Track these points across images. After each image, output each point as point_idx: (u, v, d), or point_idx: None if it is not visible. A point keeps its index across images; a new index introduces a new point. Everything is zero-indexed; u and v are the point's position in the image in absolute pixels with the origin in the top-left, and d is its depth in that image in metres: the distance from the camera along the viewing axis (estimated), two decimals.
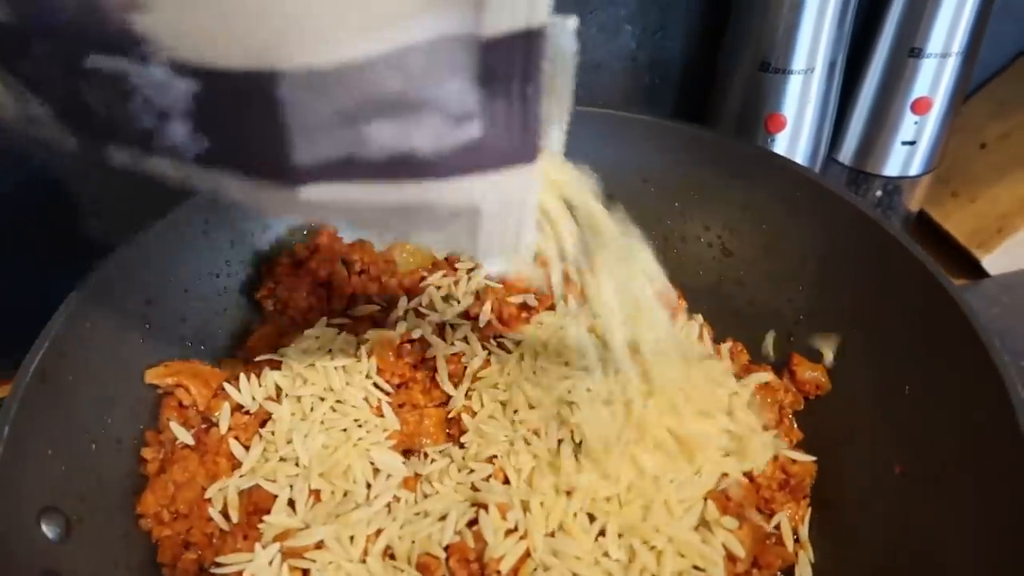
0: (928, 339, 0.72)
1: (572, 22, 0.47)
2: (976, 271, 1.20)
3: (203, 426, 0.79)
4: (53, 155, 0.99)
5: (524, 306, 0.92)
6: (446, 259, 1.00)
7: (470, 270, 0.94)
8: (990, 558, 0.60)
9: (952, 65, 1.02)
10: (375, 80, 0.40)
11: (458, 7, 0.38)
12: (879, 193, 1.16)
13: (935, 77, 1.03)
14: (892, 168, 1.13)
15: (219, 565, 0.68)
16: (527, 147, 0.43)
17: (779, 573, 0.70)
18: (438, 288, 0.92)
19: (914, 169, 1.14)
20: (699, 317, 0.89)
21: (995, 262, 1.19)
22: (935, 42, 1.00)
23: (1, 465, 0.61)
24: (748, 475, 0.73)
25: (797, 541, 0.72)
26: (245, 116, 0.42)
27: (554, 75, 0.47)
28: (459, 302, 0.89)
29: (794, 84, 1.01)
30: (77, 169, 1.02)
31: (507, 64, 0.40)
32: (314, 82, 0.40)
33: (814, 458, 0.76)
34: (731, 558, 0.68)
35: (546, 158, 0.49)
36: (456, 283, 0.93)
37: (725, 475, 0.72)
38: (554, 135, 0.52)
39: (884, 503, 0.71)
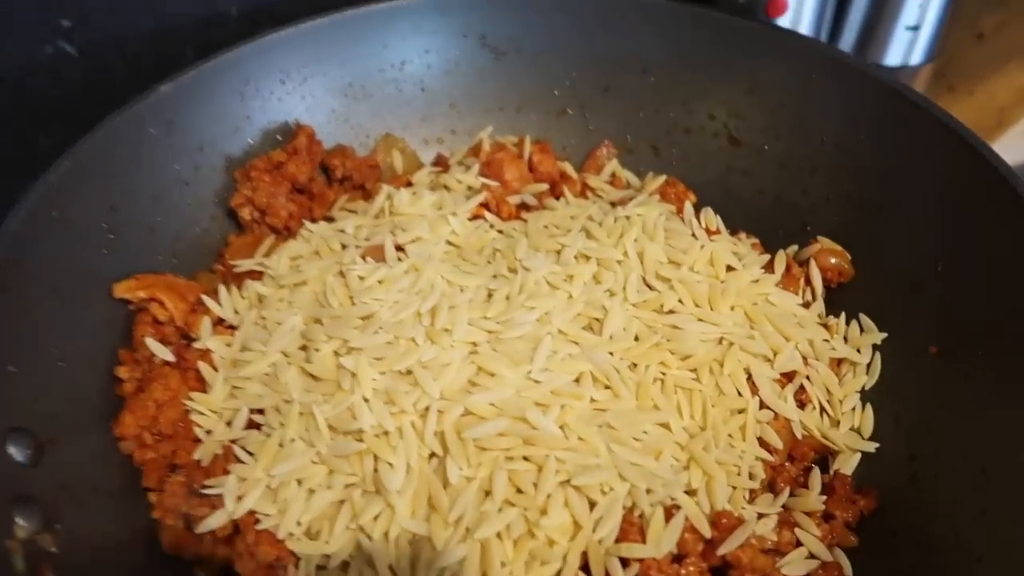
0: (964, 208, 0.68)
1: None
2: None
3: (183, 342, 0.73)
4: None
5: (523, 205, 0.85)
6: (436, 161, 0.93)
7: (466, 168, 0.87)
8: None
9: None
10: None
11: None
12: None
13: None
14: (894, 57, 1.08)
15: (208, 486, 0.62)
16: None
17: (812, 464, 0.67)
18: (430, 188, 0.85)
19: (915, 58, 1.09)
20: (709, 210, 0.83)
21: None
22: None
23: None
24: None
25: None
26: None
27: None
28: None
29: None
30: (40, 69, 0.92)
31: None
32: None
33: (856, 350, 0.72)
34: (766, 449, 0.64)
35: None
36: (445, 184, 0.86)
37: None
38: None
39: (920, 387, 0.67)
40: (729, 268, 0.74)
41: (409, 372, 0.63)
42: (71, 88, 0.96)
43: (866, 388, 0.71)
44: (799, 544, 0.60)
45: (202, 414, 0.67)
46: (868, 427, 0.68)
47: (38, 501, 0.55)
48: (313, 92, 0.90)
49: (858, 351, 0.72)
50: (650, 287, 0.72)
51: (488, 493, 0.57)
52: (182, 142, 0.81)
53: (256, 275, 0.78)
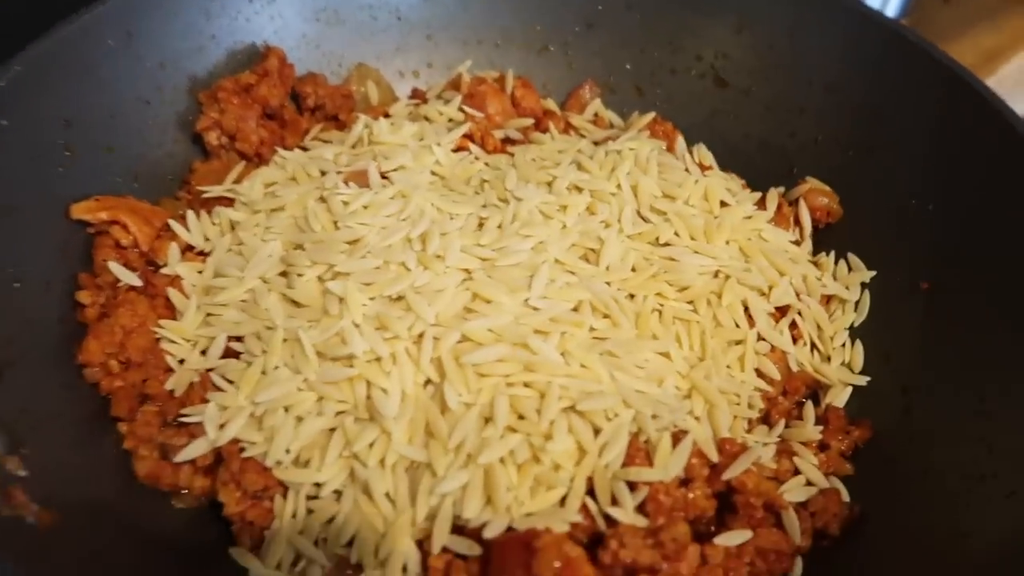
0: (957, 144, 0.68)
1: None
2: None
3: (149, 268, 0.68)
4: None
5: (508, 140, 0.82)
6: (412, 94, 0.88)
7: (446, 101, 0.84)
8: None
9: None
10: None
11: None
12: None
13: None
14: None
15: (186, 415, 0.58)
16: None
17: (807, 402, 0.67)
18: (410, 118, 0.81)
19: (890, 12, 1.10)
20: (702, 146, 0.82)
21: None
22: None
23: None
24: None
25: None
26: None
27: None
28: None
29: None
30: None
31: None
32: None
33: (845, 288, 0.72)
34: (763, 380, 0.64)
35: None
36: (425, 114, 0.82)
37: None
38: None
39: (911, 322, 0.68)
40: (723, 204, 0.73)
41: (401, 298, 0.60)
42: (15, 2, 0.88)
43: (855, 325, 0.71)
44: (797, 472, 0.60)
45: (173, 342, 0.63)
46: (858, 362, 0.68)
47: (3, 423, 0.50)
48: (282, 13, 0.84)
49: (847, 288, 0.72)
50: (645, 219, 0.70)
51: (489, 419, 0.55)
52: (142, 57, 0.75)
53: (226, 202, 0.73)
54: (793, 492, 0.58)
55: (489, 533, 0.50)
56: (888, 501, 0.58)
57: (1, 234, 0.60)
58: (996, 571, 0.47)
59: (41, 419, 0.54)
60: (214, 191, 0.73)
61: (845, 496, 0.59)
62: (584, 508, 0.53)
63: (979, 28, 1.21)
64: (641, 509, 0.53)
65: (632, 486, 0.53)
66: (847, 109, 0.77)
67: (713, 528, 0.56)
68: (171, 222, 0.69)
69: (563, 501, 0.53)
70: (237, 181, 0.75)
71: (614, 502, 0.53)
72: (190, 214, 0.70)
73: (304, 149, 0.79)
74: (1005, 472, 0.52)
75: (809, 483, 0.59)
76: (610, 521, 0.53)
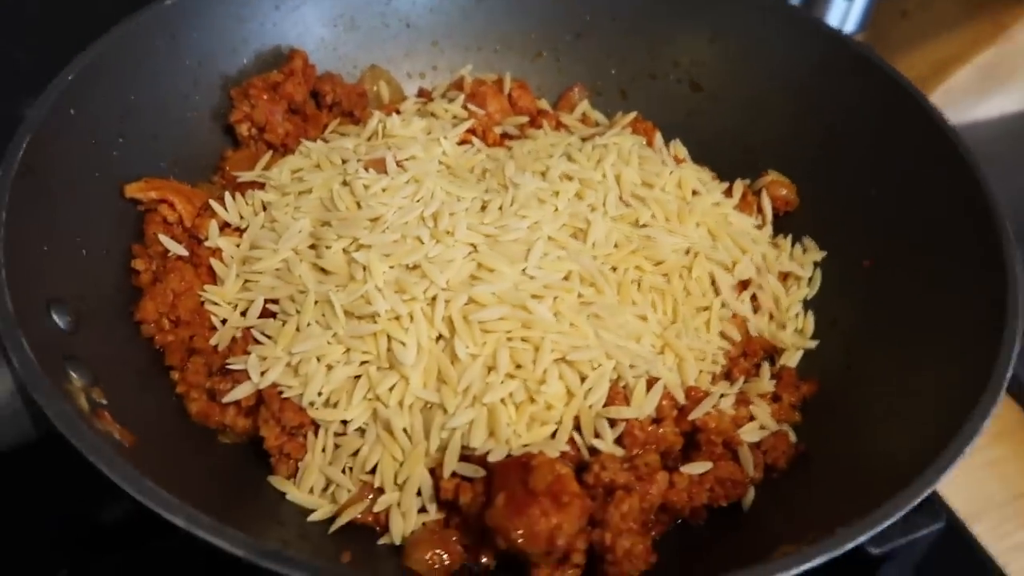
0: (896, 145, 0.79)
1: None
2: None
3: (193, 241, 0.77)
4: None
5: (506, 135, 0.92)
6: (419, 94, 0.98)
7: (450, 100, 0.93)
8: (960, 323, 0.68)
9: None
10: None
11: None
12: None
13: None
14: (831, 22, 1.19)
15: (231, 364, 0.68)
16: None
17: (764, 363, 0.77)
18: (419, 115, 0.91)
19: (849, 26, 1.20)
20: (677, 141, 0.92)
21: None
22: None
23: (5, 248, 0.57)
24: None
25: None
26: None
27: None
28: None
29: None
30: None
31: None
32: None
33: (800, 266, 0.82)
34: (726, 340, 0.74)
35: None
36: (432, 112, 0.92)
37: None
38: None
39: (855, 294, 0.78)
40: (694, 192, 0.83)
41: (417, 266, 0.70)
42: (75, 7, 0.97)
43: (808, 298, 0.81)
44: (752, 419, 0.70)
45: (217, 304, 0.72)
46: (809, 329, 0.79)
47: (84, 361, 0.59)
48: (305, 20, 0.94)
49: (801, 267, 0.82)
50: (626, 204, 0.80)
51: (492, 368, 0.65)
52: (183, 57, 0.84)
53: (257, 186, 0.82)
54: (748, 434, 0.68)
55: (493, 458, 0.60)
56: (827, 439, 0.68)
57: (70, 206, 0.69)
58: (911, 480, 0.56)
59: (109, 366, 0.63)
60: (247, 176, 0.82)
61: (792, 437, 0.69)
62: (571, 440, 0.63)
63: (930, 42, 1.32)
64: (619, 442, 0.63)
65: (612, 423, 0.63)
66: (806, 112, 0.88)
67: (679, 463, 0.66)
68: (211, 202, 0.78)
69: (554, 435, 0.63)
70: (266, 168, 0.84)
71: (597, 436, 0.63)
72: (227, 195, 0.79)
73: (324, 141, 0.89)
74: (919, 409, 0.63)
75: (762, 427, 0.69)
76: (593, 452, 0.63)
